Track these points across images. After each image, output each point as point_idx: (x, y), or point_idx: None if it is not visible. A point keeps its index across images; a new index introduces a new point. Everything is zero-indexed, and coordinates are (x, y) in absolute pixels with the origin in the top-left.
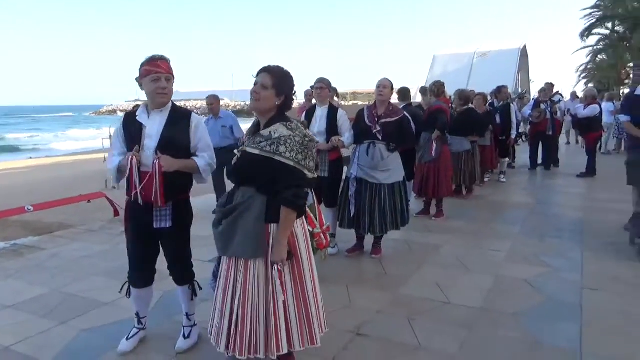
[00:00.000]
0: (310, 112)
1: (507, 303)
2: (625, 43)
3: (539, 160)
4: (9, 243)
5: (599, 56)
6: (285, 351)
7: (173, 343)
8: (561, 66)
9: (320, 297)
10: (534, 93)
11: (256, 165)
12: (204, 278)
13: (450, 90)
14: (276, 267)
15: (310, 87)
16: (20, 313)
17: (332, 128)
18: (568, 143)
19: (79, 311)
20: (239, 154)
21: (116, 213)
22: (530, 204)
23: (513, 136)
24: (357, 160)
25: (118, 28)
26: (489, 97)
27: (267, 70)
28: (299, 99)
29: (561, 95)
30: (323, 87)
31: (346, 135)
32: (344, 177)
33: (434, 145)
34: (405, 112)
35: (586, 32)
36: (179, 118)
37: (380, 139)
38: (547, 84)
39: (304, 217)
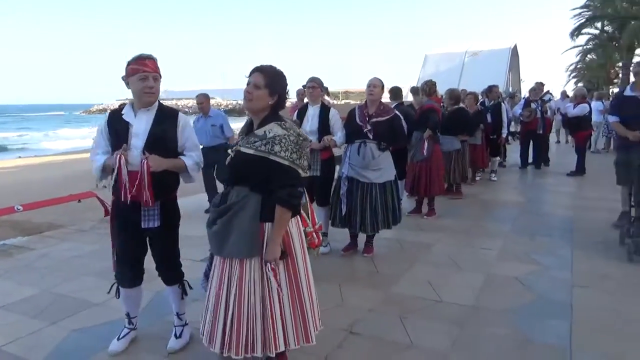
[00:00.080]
0: (302, 111)
1: (498, 301)
2: (614, 43)
3: (530, 159)
4: None
5: (589, 56)
6: (282, 349)
7: (165, 343)
8: (551, 66)
9: (315, 295)
10: (525, 92)
11: (251, 165)
12: (195, 278)
13: (441, 90)
14: (269, 266)
15: (303, 86)
16: (10, 314)
17: (324, 127)
18: (558, 142)
19: (70, 311)
20: (232, 154)
21: (107, 213)
22: (521, 203)
23: (504, 135)
24: (348, 160)
25: (108, 27)
26: (480, 97)
27: (259, 70)
28: (291, 98)
29: (551, 94)
30: (315, 86)
31: (338, 134)
32: (336, 176)
33: (426, 144)
34: (396, 111)
35: (576, 32)
36: (166, 117)
37: (371, 138)
38: (537, 83)
39: (298, 216)
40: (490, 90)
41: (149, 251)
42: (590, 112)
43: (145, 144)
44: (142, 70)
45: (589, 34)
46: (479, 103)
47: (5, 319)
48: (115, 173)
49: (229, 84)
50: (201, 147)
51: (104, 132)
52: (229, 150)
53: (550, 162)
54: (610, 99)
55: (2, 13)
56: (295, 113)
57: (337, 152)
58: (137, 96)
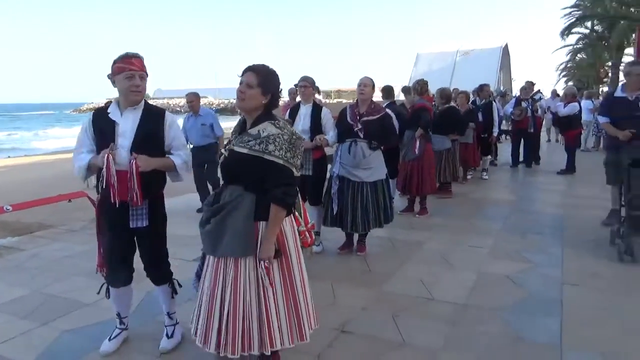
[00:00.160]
0: (294, 110)
1: (489, 299)
2: (603, 42)
3: (521, 158)
4: None
5: (579, 55)
6: (279, 346)
7: (157, 343)
8: (542, 65)
9: (309, 294)
10: (516, 91)
11: (244, 164)
12: (187, 277)
13: (434, 89)
14: (263, 264)
15: (295, 85)
16: (0, 314)
17: (316, 126)
18: (549, 140)
19: (60, 312)
20: (226, 153)
21: None
22: (512, 201)
23: (495, 134)
24: (339, 159)
25: (99, 25)
26: (471, 96)
27: (252, 69)
28: (283, 97)
29: (541, 93)
30: (307, 86)
31: (330, 133)
32: (328, 175)
33: (417, 143)
34: (387, 110)
35: (566, 31)
36: (153, 116)
37: (362, 137)
38: (527, 82)
39: (291, 215)
40: (482, 89)
41: (137, 251)
42: (580, 111)
43: (133, 143)
44: (129, 69)
45: (579, 33)
46: (470, 102)
47: None
48: (103, 172)
49: (221, 83)
50: (191, 146)
51: (89, 130)
52: (223, 150)
53: (540, 160)
54: (600, 98)
55: None
56: (287, 112)
57: (329, 151)
58: (123, 95)
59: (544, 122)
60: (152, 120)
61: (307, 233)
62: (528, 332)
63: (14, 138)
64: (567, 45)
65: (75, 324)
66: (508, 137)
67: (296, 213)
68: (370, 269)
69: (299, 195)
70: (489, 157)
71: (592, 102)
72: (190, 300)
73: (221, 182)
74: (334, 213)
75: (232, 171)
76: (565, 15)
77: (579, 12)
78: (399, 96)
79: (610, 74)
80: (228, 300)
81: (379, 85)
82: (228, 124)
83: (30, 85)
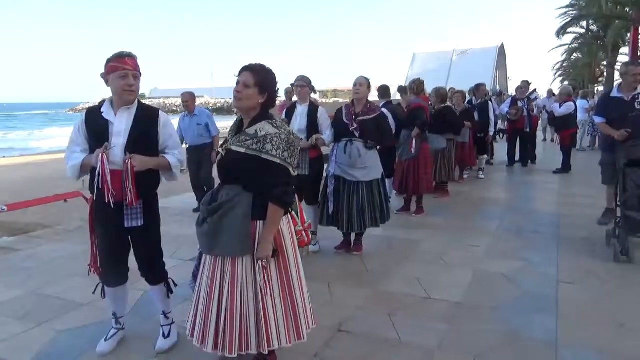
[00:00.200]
0: (290, 110)
1: (485, 297)
2: (599, 42)
3: (517, 157)
4: None
5: (574, 54)
6: (276, 346)
7: (153, 343)
8: (538, 64)
9: (307, 293)
10: (512, 91)
11: (242, 164)
12: (184, 277)
13: (429, 88)
14: (261, 264)
15: (291, 84)
16: None
17: (312, 126)
18: (544, 140)
19: (57, 312)
20: (223, 152)
21: None
22: (508, 200)
23: (491, 133)
24: (335, 158)
25: (95, 24)
26: (467, 95)
27: (249, 69)
28: (280, 97)
29: (537, 92)
30: (303, 85)
31: (327, 133)
32: (324, 174)
33: (414, 142)
34: (383, 110)
35: (562, 31)
36: (147, 115)
37: (358, 136)
38: (523, 81)
39: (288, 215)
40: (478, 88)
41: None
42: (575, 110)
43: (127, 143)
44: (122, 68)
45: (574, 33)
46: (466, 101)
47: None
48: (97, 172)
49: (217, 83)
50: (187, 146)
51: (81, 130)
52: (220, 149)
53: (537, 159)
54: (595, 97)
55: None
56: (284, 112)
57: (325, 150)
58: (116, 94)
59: (540, 122)
60: (146, 120)
61: (303, 233)
62: (524, 330)
63: (9, 138)
64: (563, 45)
65: (71, 324)
66: (504, 136)
67: (293, 213)
68: (367, 268)
69: (296, 194)
70: (485, 156)
71: (587, 101)
72: (187, 300)
73: (215, 183)
74: (330, 212)
75: (229, 170)
76: (560, 15)
77: (574, 12)
78: (395, 96)
79: (605, 74)
80: (226, 299)
81: (375, 85)
82: (225, 124)
83: (25, 85)
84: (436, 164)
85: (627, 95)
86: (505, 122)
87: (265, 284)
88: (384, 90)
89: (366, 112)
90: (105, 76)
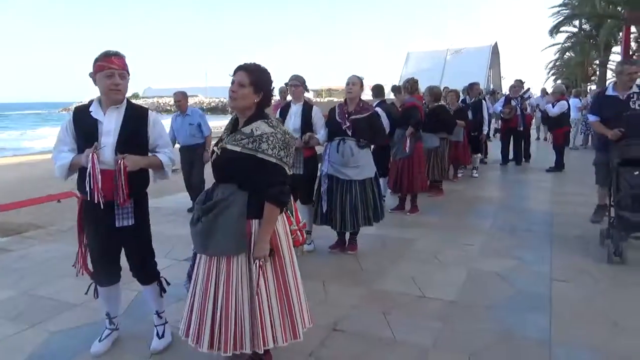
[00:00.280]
0: (284, 109)
1: (480, 296)
2: (591, 41)
3: (511, 156)
4: None
5: (567, 53)
6: (271, 345)
7: (148, 343)
8: (531, 63)
9: (302, 292)
10: (505, 89)
11: (237, 162)
12: (179, 277)
13: (424, 87)
14: (258, 263)
15: (285, 84)
16: None
17: (306, 125)
18: (538, 138)
19: (50, 313)
20: (218, 151)
21: None
22: (502, 199)
23: (485, 132)
24: (328, 157)
25: (88, 23)
26: (461, 94)
27: (244, 68)
28: (275, 96)
29: (530, 91)
30: (298, 85)
31: (321, 132)
32: (318, 174)
33: (408, 141)
34: (376, 109)
35: (555, 30)
36: (136, 115)
37: (350, 135)
38: (516, 80)
39: (283, 214)
40: (471, 87)
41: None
42: (568, 108)
43: (117, 142)
44: (108, 67)
45: (567, 32)
46: (460, 100)
47: None
48: (88, 172)
49: (211, 82)
50: (179, 146)
51: (69, 129)
52: (215, 148)
53: (531, 158)
54: (588, 96)
55: None
56: (278, 111)
57: (320, 150)
58: (104, 93)
59: (533, 121)
60: (136, 119)
61: (298, 232)
62: (518, 328)
63: (1, 137)
64: (556, 44)
65: (64, 325)
66: (498, 134)
67: (288, 212)
68: (362, 267)
69: (291, 194)
70: (479, 155)
71: (580, 100)
72: (180, 300)
73: (207, 183)
74: (324, 211)
75: (224, 169)
76: (553, 14)
77: (567, 11)
78: (389, 95)
79: (598, 73)
80: (221, 299)
81: (369, 84)
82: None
83: (18, 85)
84: (429, 163)
85: (622, 94)
86: (499, 121)
87: (262, 284)
88: (378, 90)
89: (359, 110)
90: (93, 75)
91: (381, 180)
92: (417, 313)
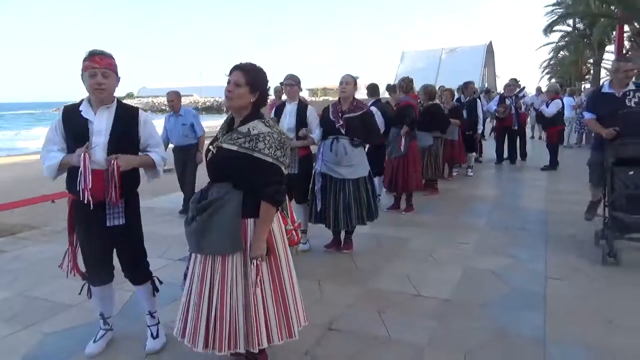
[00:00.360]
0: (279, 108)
1: (474, 294)
2: (585, 40)
3: (505, 154)
4: None
5: (561, 52)
6: (265, 345)
7: (143, 344)
8: (526, 62)
9: (298, 291)
10: (500, 88)
11: (233, 161)
12: (174, 277)
13: (419, 86)
14: (255, 262)
15: (280, 83)
16: None
17: (301, 125)
18: (532, 137)
19: (44, 314)
20: (214, 150)
21: None
22: (497, 197)
23: (479, 131)
24: (321, 156)
25: (82, 23)
26: (456, 93)
27: (239, 68)
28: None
29: (524, 90)
30: (293, 84)
31: (316, 132)
32: (313, 172)
33: (403, 140)
34: (371, 108)
35: (549, 29)
36: (127, 114)
37: (344, 133)
38: (511, 79)
39: (278, 213)
40: (466, 86)
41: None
42: (562, 107)
43: (109, 142)
44: (91, 67)
45: (561, 31)
46: (455, 99)
47: None
48: (80, 171)
49: (206, 81)
50: (172, 146)
51: (59, 129)
52: (211, 146)
53: (527, 156)
54: (582, 94)
55: None
56: (273, 111)
57: (314, 149)
58: (89, 93)
59: (528, 119)
60: (127, 119)
61: (293, 232)
62: (513, 326)
63: None
64: (550, 43)
65: (59, 326)
66: (493, 133)
67: (283, 211)
68: (357, 266)
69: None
70: (474, 154)
71: (574, 99)
72: (175, 300)
73: (198, 185)
74: (318, 210)
75: (220, 168)
76: (548, 13)
77: (561, 10)
78: (384, 94)
79: (592, 71)
80: (216, 298)
81: (364, 83)
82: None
83: (11, 85)
84: (423, 162)
85: (618, 91)
86: (493, 120)
87: (258, 283)
88: (373, 89)
89: (352, 109)
90: (82, 75)
91: (376, 179)
92: (413, 312)
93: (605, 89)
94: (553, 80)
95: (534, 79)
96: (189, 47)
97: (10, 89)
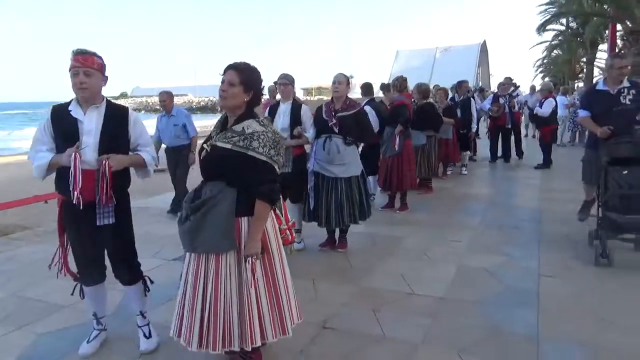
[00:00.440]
0: (273, 108)
1: (468, 292)
2: (578, 39)
3: (499, 153)
4: None
5: (555, 51)
6: (259, 343)
7: (136, 344)
8: (520, 61)
9: (291, 289)
10: (494, 87)
11: (227, 160)
12: (168, 277)
13: (413, 85)
14: (250, 260)
15: (274, 82)
16: None
17: (295, 124)
18: (526, 136)
19: (38, 315)
20: (208, 148)
21: None
22: (491, 196)
23: (473, 130)
24: (314, 155)
25: (75, 22)
26: (450, 92)
27: (233, 68)
28: (264, 95)
29: (518, 89)
30: (287, 83)
31: (310, 131)
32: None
33: (397, 139)
34: (366, 107)
35: (542, 28)
36: (117, 114)
37: (337, 132)
38: (506, 78)
39: (272, 212)
40: (460, 85)
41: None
42: (556, 106)
43: (100, 142)
44: (73, 66)
45: (554, 30)
46: (449, 98)
47: None
48: (70, 172)
49: (201, 81)
50: (164, 147)
51: (47, 128)
52: (205, 145)
53: (523, 155)
54: (575, 93)
55: None
56: (267, 110)
57: (309, 148)
58: (74, 92)
59: (522, 118)
60: (117, 118)
61: (288, 231)
62: (506, 324)
63: None
64: (544, 42)
65: (52, 326)
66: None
67: (277, 211)
68: (352, 265)
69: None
70: (468, 152)
71: (567, 97)
72: (170, 300)
73: (190, 186)
74: (311, 208)
75: (214, 167)
76: (541, 12)
77: (554, 9)
78: (379, 93)
79: (585, 70)
80: (209, 296)
81: (359, 82)
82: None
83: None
84: (416, 161)
85: (612, 88)
86: (487, 119)
87: (254, 281)
88: (367, 88)
89: (345, 108)
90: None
91: (371, 178)
92: (407, 310)
93: (600, 87)
94: (546, 79)
95: (527, 78)
96: (185, 46)
97: (3, 89)
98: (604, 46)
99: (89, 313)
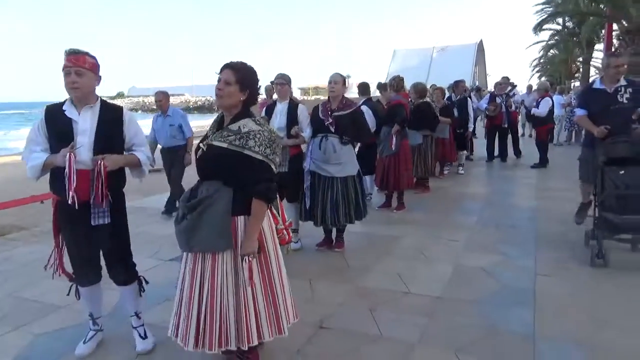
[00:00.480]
0: (270, 107)
1: (465, 291)
2: (574, 38)
3: (496, 152)
4: None
5: (551, 51)
6: (256, 342)
7: (132, 344)
8: (516, 60)
9: (288, 288)
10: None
11: (224, 159)
12: (165, 277)
13: (410, 85)
14: (247, 259)
15: (271, 82)
16: None
17: (292, 124)
18: (522, 135)
19: (34, 315)
20: (204, 148)
21: None
22: (487, 195)
23: (470, 129)
24: (310, 154)
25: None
26: (446, 91)
27: (230, 67)
28: (261, 94)
29: (515, 89)
30: (283, 83)
31: (307, 131)
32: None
33: (394, 139)
34: (362, 106)
35: (538, 27)
36: (111, 114)
37: (333, 131)
38: (503, 77)
39: (268, 212)
40: (457, 85)
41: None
42: (552, 105)
43: (95, 142)
44: (65, 66)
45: (551, 29)
46: (445, 98)
47: None
48: (65, 172)
49: (197, 80)
50: (160, 147)
51: (42, 129)
52: (201, 144)
53: (521, 154)
54: (571, 92)
55: None
56: (264, 109)
57: (305, 148)
58: (67, 91)
59: (519, 117)
60: (111, 118)
61: (284, 231)
62: (503, 323)
63: None
64: (540, 42)
65: (49, 327)
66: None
67: (274, 210)
68: (349, 264)
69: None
70: (465, 152)
71: (563, 97)
72: (167, 300)
73: (185, 186)
74: (307, 208)
75: (210, 166)
76: (537, 12)
77: (550, 9)
78: (375, 92)
79: (581, 70)
80: (206, 296)
81: (356, 82)
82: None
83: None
84: (413, 160)
85: (609, 87)
86: (484, 118)
87: (250, 280)
88: (364, 87)
89: (342, 107)
90: None
91: (368, 178)
92: (404, 309)
93: (597, 85)
94: (543, 78)
95: (524, 77)
96: (183, 46)
97: (3, 89)
98: (600, 46)
99: (85, 313)
